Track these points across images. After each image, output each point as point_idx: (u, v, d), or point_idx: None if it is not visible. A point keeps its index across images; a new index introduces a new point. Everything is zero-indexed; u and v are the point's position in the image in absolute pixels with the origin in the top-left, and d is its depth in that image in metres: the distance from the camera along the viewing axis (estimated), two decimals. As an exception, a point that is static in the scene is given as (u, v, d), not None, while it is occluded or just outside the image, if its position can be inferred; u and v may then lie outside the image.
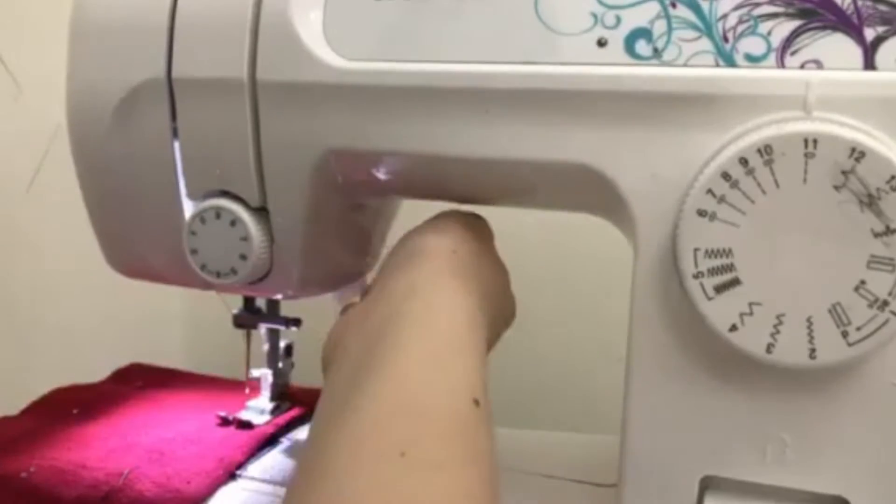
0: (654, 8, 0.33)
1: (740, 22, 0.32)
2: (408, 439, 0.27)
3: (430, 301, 0.33)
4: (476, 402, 0.29)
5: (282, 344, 0.52)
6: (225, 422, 0.49)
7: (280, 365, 0.52)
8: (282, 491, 0.43)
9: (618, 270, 0.39)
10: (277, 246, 0.40)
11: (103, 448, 0.45)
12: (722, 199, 0.31)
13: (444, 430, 0.28)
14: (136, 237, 0.43)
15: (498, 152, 0.36)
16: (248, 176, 0.39)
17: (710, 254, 0.31)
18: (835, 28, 0.31)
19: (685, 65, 0.32)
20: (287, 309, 0.50)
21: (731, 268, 0.31)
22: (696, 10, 0.32)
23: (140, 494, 0.41)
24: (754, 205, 0.31)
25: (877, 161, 0.29)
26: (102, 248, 0.44)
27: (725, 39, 0.32)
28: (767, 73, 0.32)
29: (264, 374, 0.51)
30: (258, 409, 0.50)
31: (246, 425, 0.48)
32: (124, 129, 0.40)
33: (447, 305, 0.33)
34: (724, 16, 0.32)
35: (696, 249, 0.32)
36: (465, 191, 0.43)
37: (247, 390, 0.51)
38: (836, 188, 0.30)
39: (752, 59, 0.32)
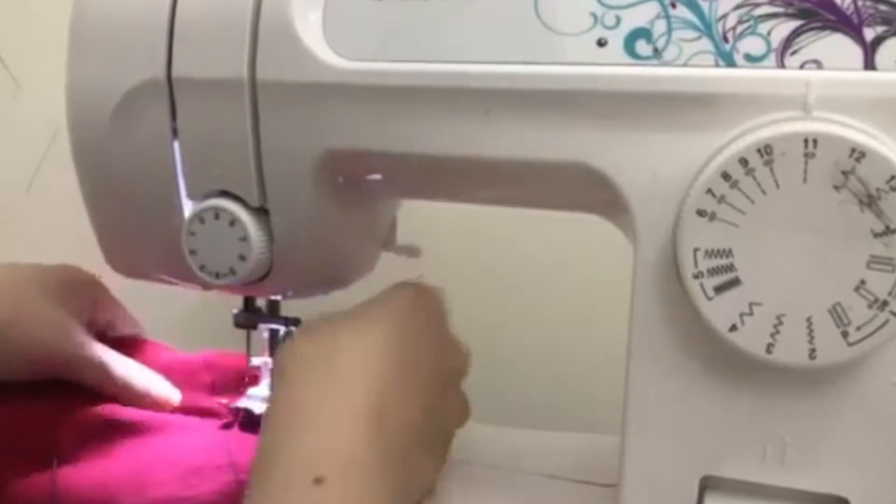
0: (654, 8, 0.33)
1: (740, 22, 0.32)
2: None
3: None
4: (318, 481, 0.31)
5: (281, 332, 0.52)
6: (227, 425, 0.49)
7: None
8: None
9: (618, 270, 0.39)
10: (277, 246, 0.40)
11: None
12: (722, 199, 0.31)
13: None
14: (136, 237, 0.43)
15: (498, 152, 0.35)
16: (248, 176, 0.39)
17: (710, 254, 0.31)
18: (834, 28, 0.31)
19: (685, 65, 0.32)
20: (287, 309, 0.50)
21: (731, 268, 0.31)
22: (696, 10, 0.32)
23: None
24: (754, 205, 0.31)
25: (877, 161, 0.29)
26: (102, 247, 0.44)
27: (725, 39, 0.32)
28: (767, 73, 0.32)
29: (265, 363, 0.51)
30: (259, 397, 0.50)
31: (248, 414, 0.48)
32: (124, 129, 0.40)
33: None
34: (724, 16, 0.32)
35: (696, 249, 0.32)
36: (465, 191, 0.43)
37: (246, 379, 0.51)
38: (836, 188, 0.30)
39: (752, 59, 0.32)
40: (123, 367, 0.46)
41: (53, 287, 0.45)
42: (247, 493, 0.32)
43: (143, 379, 0.47)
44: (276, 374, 0.37)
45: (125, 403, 0.47)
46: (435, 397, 0.38)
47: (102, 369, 0.45)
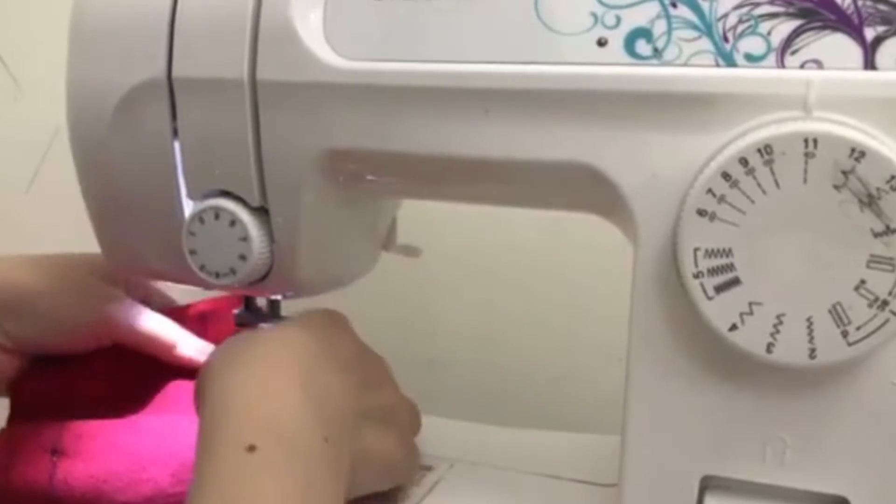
0: (654, 8, 0.33)
1: (740, 22, 0.32)
2: None
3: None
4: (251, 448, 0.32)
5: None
6: None
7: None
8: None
9: (618, 270, 0.39)
10: (277, 246, 0.40)
11: None
12: (722, 199, 0.31)
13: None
14: (136, 237, 0.43)
15: (498, 152, 0.35)
16: (248, 176, 0.39)
17: (710, 253, 0.31)
18: (835, 28, 0.31)
19: (685, 64, 0.32)
20: (287, 309, 0.50)
21: (731, 267, 0.31)
22: (696, 9, 0.32)
23: None
24: (754, 204, 0.31)
25: (877, 161, 0.29)
26: (102, 247, 0.44)
27: (725, 39, 0.32)
28: (767, 73, 0.32)
29: None
30: None
31: None
32: (124, 128, 0.40)
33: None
34: (724, 15, 0.32)
35: (696, 249, 0.32)
36: (465, 191, 0.43)
37: None
38: (836, 188, 0.30)
39: (752, 59, 0.32)
40: (173, 332, 0.47)
41: (83, 262, 0.46)
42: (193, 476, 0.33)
43: (193, 344, 0.47)
44: (202, 379, 0.38)
45: (175, 366, 0.47)
46: (365, 378, 0.40)
47: (153, 335, 0.46)
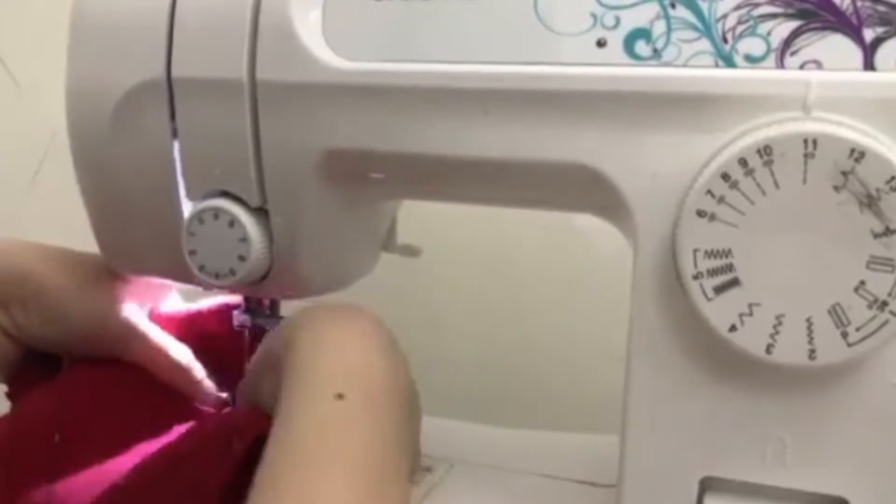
0: (653, 8, 0.33)
1: (740, 22, 0.32)
2: None
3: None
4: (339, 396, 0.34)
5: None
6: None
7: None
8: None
9: (618, 270, 0.39)
10: (277, 246, 0.40)
11: None
12: (721, 200, 0.31)
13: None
14: (136, 237, 0.43)
15: (498, 152, 0.35)
16: (248, 176, 0.39)
17: (710, 254, 0.31)
18: (834, 29, 0.31)
19: (685, 65, 0.32)
20: (287, 309, 0.50)
21: (730, 268, 0.31)
22: (696, 10, 0.32)
23: None
24: (754, 205, 0.31)
25: (877, 161, 0.29)
26: (101, 247, 0.44)
27: (725, 40, 0.32)
28: (767, 74, 0.32)
29: None
30: None
31: None
32: (124, 129, 0.40)
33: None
34: (724, 16, 0.32)
35: (695, 250, 0.32)
36: (465, 191, 0.43)
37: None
38: (836, 188, 0.30)
39: (752, 60, 0.32)
40: (179, 352, 0.47)
41: (95, 262, 0.46)
42: (276, 412, 0.35)
43: (198, 366, 0.47)
44: (284, 335, 0.39)
45: (180, 388, 0.46)
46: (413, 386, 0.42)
47: (159, 353, 0.46)
